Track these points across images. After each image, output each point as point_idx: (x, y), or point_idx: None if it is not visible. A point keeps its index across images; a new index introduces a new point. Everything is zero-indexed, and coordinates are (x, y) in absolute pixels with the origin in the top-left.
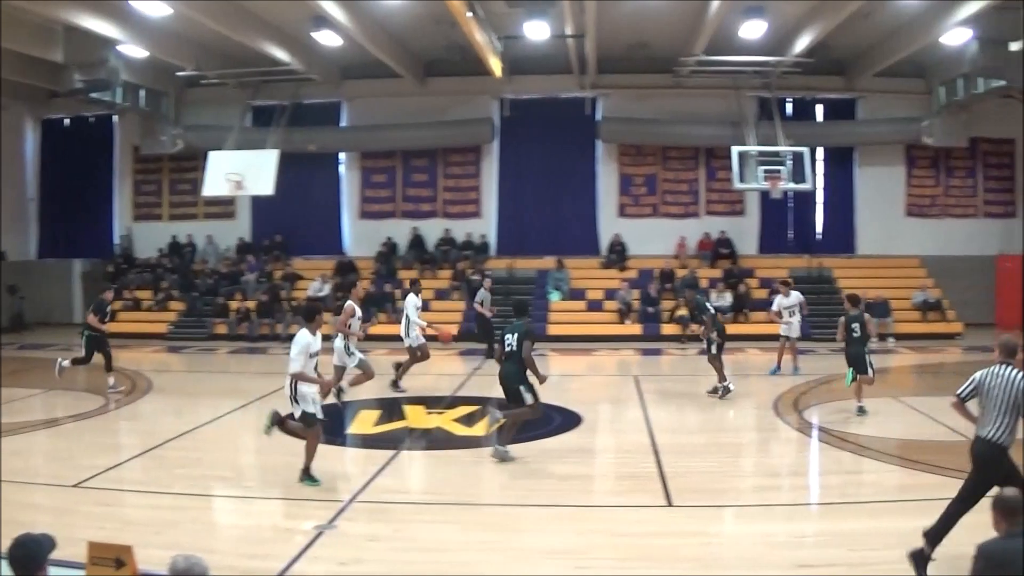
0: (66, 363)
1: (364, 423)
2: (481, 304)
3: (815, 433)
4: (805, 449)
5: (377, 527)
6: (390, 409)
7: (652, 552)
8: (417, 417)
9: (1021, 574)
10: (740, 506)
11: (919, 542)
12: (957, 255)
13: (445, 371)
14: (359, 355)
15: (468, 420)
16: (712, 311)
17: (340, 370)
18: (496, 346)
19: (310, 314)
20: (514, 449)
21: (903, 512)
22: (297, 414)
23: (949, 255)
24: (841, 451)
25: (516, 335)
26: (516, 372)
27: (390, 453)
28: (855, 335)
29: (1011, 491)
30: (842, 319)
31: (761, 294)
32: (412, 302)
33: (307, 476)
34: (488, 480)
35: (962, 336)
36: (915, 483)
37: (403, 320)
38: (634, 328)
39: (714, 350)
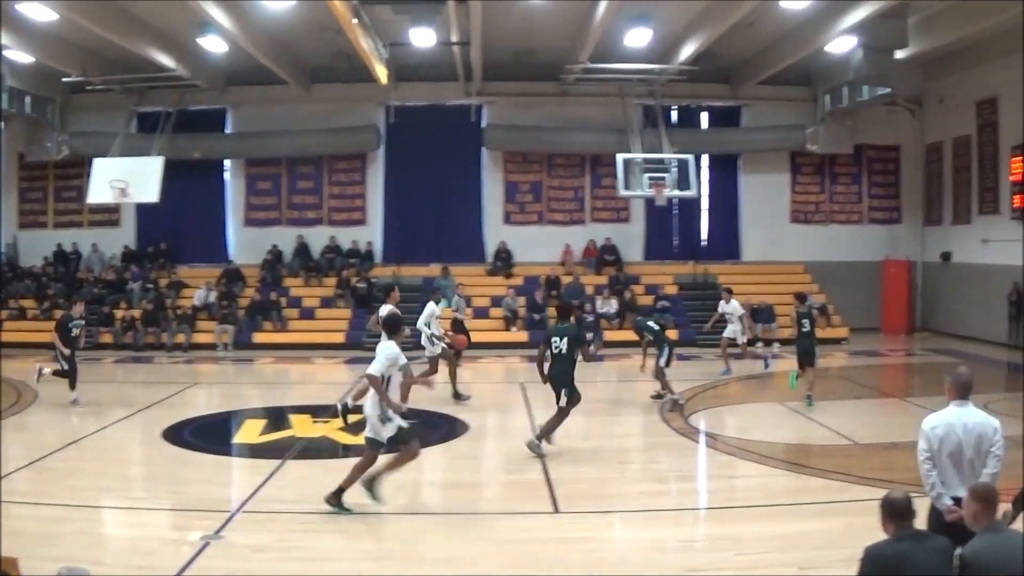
0: (47, 370)
1: (250, 432)
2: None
3: (702, 438)
4: (692, 454)
5: (264, 537)
6: (276, 418)
7: (539, 559)
8: (303, 426)
9: None
10: (627, 511)
11: (806, 544)
12: (842, 261)
13: (331, 379)
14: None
15: (354, 429)
16: (656, 328)
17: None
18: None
19: (395, 326)
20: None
21: (790, 515)
22: (388, 434)
23: (834, 261)
24: (727, 455)
25: (565, 339)
26: (565, 372)
27: (276, 462)
28: (804, 329)
29: (898, 492)
30: (794, 315)
31: (647, 300)
32: (430, 310)
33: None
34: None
35: (847, 341)
36: (801, 486)
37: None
38: (520, 335)
39: (663, 363)
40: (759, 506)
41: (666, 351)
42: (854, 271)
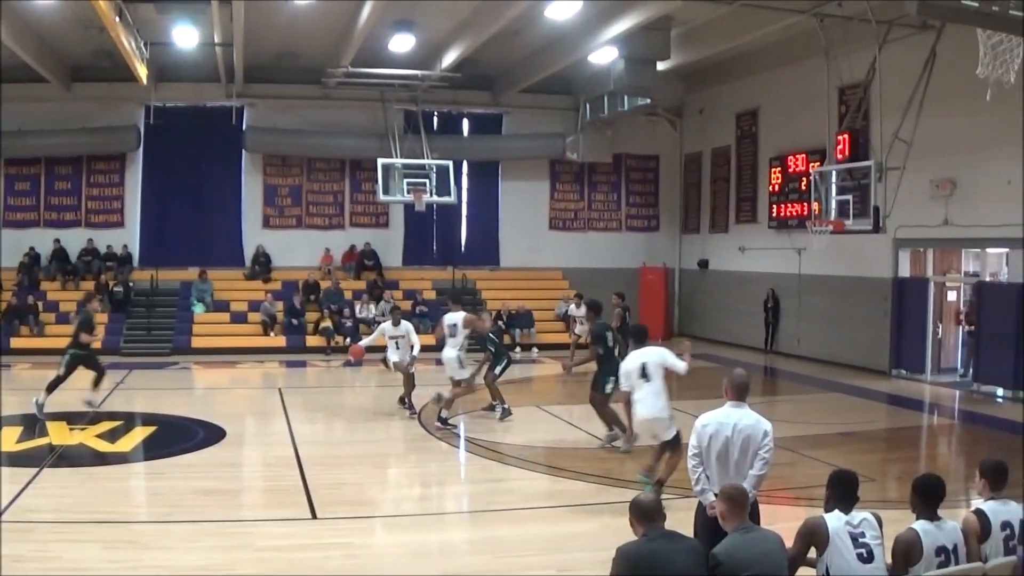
0: (42, 398)
1: (6, 440)
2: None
3: (461, 443)
4: (452, 458)
5: (22, 547)
6: (32, 425)
7: (297, 566)
8: (60, 433)
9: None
10: (387, 516)
11: (566, 546)
12: (600, 267)
13: (88, 386)
14: (471, 369)
15: (111, 436)
16: (498, 341)
17: (458, 383)
18: None
19: (643, 335)
20: (157, 464)
21: (549, 518)
22: (671, 435)
23: (592, 267)
24: (487, 460)
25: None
26: None
27: (33, 471)
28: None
29: (646, 494)
30: (617, 311)
31: (406, 306)
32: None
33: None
34: (132, 497)
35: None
36: (559, 489)
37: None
38: (278, 340)
39: (497, 371)
40: (519, 509)
41: (504, 363)
42: (612, 278)
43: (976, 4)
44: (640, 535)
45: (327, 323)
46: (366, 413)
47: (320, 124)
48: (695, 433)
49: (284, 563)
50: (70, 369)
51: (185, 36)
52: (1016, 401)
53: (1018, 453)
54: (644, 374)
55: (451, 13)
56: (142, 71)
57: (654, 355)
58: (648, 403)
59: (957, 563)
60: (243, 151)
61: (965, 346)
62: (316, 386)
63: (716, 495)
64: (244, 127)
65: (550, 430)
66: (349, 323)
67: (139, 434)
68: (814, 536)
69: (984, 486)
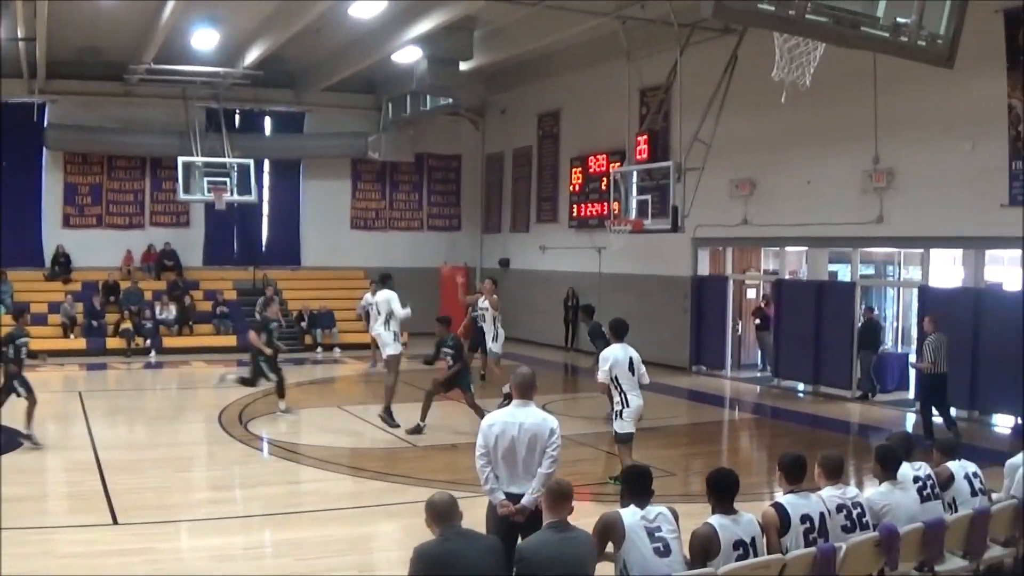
0: (231, 376)
1: None
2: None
3: (264, 445)
4: (254, 461)
5: None
6: None
7: (100, 572)
8: None
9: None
10: (190, 520)
11: (367, 547)
12: (402, 267)
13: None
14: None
15: None
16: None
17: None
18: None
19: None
20: None
21: (350, 519)
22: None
23: (394, 267)
24: (289, 461)
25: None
26: None
27: None
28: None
29: (441, 494)
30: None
31: (206, 306)
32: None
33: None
34: None
35: (407, 345)
36: (362, 490)
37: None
38: (79, 342)
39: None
40: (321, 510)
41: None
42: (414, 277)
43: (772, 8)
44: (437, 535)
45: (127, 324)
46: (168, 416)
47: (122, 121)
48: (481, 433)
49: (86, 570)
50: (259, 372)
51: None
52: (816, 396)
53: (817, 447)
54: (632, 368)
55: (254, 10)
56: None
57: (634, 352)
58: (638, 394)
59: (756, 556)
60: (44, 148)
61: (759, 341)
62: (117, 389)
63: (506, 494)
64: (45, 124)
65: (351, 431)
66: (149, 324)
67: None
68: (610, 531)
69: (782, 479)
